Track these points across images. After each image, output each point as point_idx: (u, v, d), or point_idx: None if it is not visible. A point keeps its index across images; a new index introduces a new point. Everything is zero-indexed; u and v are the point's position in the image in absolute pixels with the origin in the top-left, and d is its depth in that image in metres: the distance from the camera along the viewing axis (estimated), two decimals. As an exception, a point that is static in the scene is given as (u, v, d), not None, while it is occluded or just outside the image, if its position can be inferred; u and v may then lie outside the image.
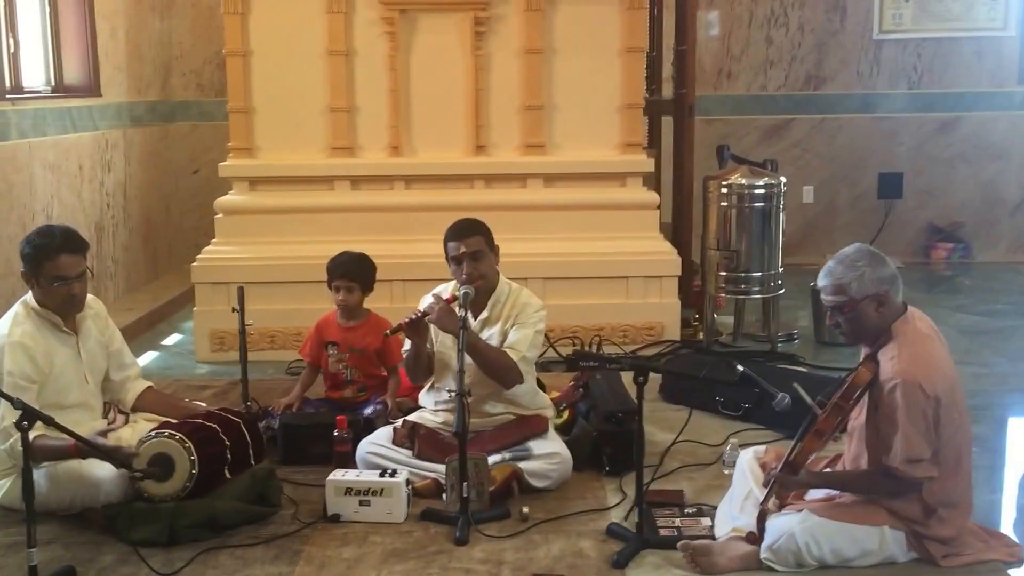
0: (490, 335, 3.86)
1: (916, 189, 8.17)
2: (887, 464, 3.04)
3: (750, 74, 8.10)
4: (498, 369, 3.77)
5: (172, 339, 6.20)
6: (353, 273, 4.40)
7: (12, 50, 6.05)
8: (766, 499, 3.18)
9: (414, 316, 3.75)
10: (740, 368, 3.61)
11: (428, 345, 3.89)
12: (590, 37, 5.60)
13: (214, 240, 5.74)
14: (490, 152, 5.70)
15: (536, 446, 3.81)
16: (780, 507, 3.27)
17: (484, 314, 3.90)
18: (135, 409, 3.89)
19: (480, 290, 3.85)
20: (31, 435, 3.35)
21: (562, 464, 3.79)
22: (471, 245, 3.83)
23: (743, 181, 5.45)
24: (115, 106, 7.02)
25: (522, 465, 3.73)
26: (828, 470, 3.37)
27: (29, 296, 3.68)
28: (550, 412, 4.07)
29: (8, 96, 5.70)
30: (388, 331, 3.90)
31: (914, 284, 7.28)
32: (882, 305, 3.09)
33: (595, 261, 5.55)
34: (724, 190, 5.46)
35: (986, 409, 4.69)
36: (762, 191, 5.44)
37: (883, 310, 3.10)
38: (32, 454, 3.38)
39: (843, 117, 8.16)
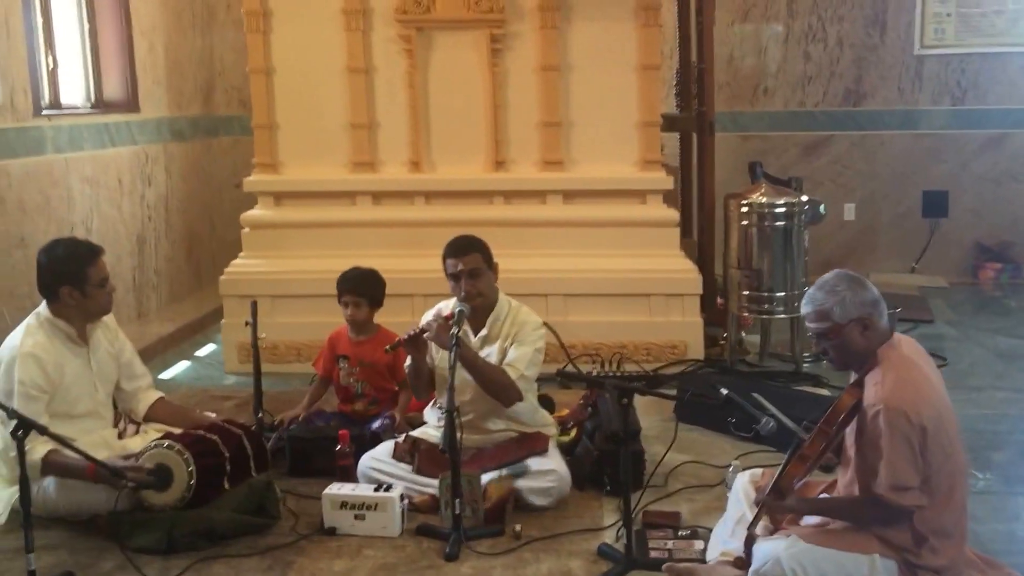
0: (489, 352, 3.91)
1: (962, 207, 8.04)
2: (874, 492, 3.01)
3: (788, 90, 8.05)
4: (496, 387, 3.81)
5: (205, 350, 6.36)
6: (360, 289, 4.48)
7: (51, 68, 6.27)
8: (753, 523, 3.18)
9: (412, 332, 3.82)
10: (724, 391, 3.60)
11: (428, 361, 3.95)
12: (606, 54, 5.64)
13: (241, 254, 5.89)
14: (509, 168, 5.76)
15: (534, 463, 3.84)
16: (774, 531, 3.26)
17: (483, 332, 3.95)
18: (147, 419, 4.01)
19: (479, 308, 3.90)
20: (45, 449, 3.52)
21: (559, 482, 3.81)
22: (469, 263, 3.88)
23: (763, 200, 5.43)
24: (154, 121, 7.21)
25: (519, 483, 3.77)
26: (824, 495, 3.35)
27: (43, 308, 3.81)
28: (551, 429, 4.10)
29: (44, 112, 5.90)
30: (388, 347, 3.97)
31: (959, 305, 7.17)
32: (867, 328, 3.07)
33: (616, 278, 5.57)
34: (744, 209, 5.44)
35: (1009, 435, 4.62)
36: (783, 210, 5.41)
37: (868, 334, 3.07)
38: (45, 467, 3.56)
39: (884, 134, 8.06)
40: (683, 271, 5.62)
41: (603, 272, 5.58)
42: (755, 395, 3.81)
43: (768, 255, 5.42)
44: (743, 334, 5.79)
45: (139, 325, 6.64)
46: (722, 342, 5.73)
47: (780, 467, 3.13)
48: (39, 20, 6.10)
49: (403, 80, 5.73)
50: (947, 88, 7.97)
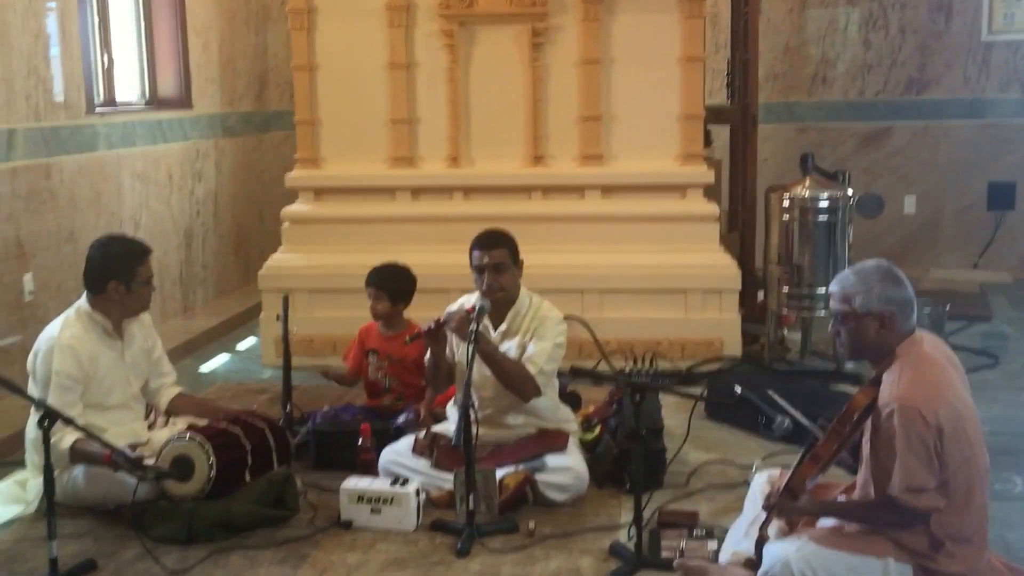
0: (509, 347, 3.95)
1: (1031, 200, 7.86)
2: (888, 493, 2.98)
3: (847, 79, 7.93)
4: (515, 381, 3.86)
5: (246, 343, 6.50)
6: (381, 283, 4.56)
7: (106, 66, 6.49)
8: (764, 524, 3.17)
9: (433, 324, 3.87)
10: (738, 389, 3.59)
11: (448, 354, 4.01)
12: (648, 47, 5.63)
13: (280, 248, 6.02)
14: (548, 163, 5.79)
15: (552, 460, 3.87)
16: (789, 533, 3.24)
17: (503, 326, 3.99)
18: (168, 413, 4.15)
19: (500, 303, 3.95)
20: (73, 438, 3.67)
21: (576, 480, 3.84)
22: (495, 257, 3.93)
23: (806, 194, 5.37)
24: (207, 117, 7.40)
25: (536, 476, 3.81)
26: (843, 498, 3.32)
27: (82, 301, 3.97)
28: (572, 426, 4.13)
29: (98, 110, 6.10)
30: (408, 337, 4.04)
31: (1022, 302, 6.99)
32: (884, 326, 3.02)
33: (653, 273, 5.57)
34: (786, 203, 5.39)
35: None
36: (826, 204, 5.34)
37: (884, 331, 3.03)
38: (72, 455, 3.72)
39: (948, 123, 7.90)
40: (722, 266, 5.58)
41: (640, 268, 5.58)
42: (770, 393, 3.77)
43: (809, 250, 5.36)
44: (785, 332, 5.73)
45: (185, 319, 6.84)
46: (763, 340, 5.68)
47: (792, 467, 3.12)
48: (96, 20, 6.33)
49: (444, 75, 5.79)
50: (1016, 75, 7.77)
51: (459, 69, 5.78)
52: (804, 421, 3.09)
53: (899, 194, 7.83)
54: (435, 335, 3.90)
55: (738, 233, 6.21)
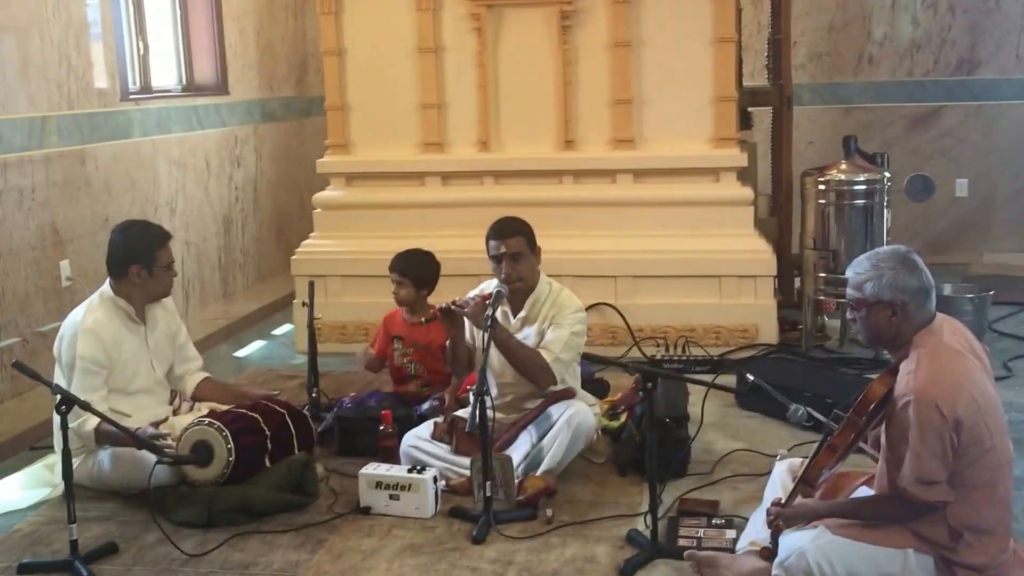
0: (528, 334, 3.96)
1: (1089, 183, 7.67)
2: (898, 484, 2.94)
3: (895, 59, 7.78)
4: (530, 369, 3.87)
5: (282, 329, 6.58)
6: (404, 269, 4.59)
7: (142, 53, 6.59)
8: (781, 514, 3.14)
9: (446, 305, 3.88)
10: (750, 378, 3.56)
11: (468, 340, 4.02)
12: (680, 28, 5.58)
13: (312, 234, 6.08)
14: (579, 147, 5.77)
15: (555, 409, 3.89)
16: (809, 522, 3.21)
17: (523, 313, 4.00)
18: (195, 398, 4.22)
19: (518, 291, 3.95)
20: (96, 420, 3.75)
21: (582, 419, 3.84)
22: (511, 246, 3.94)
23: (842, 177, 5.29)
24: (244, 103, 7.49)
25: (544, 440, 3.81)
26: (863, 488, 3.27)
27: (106, 287, 4.06)
28: (595, 409, 4.13)
29: (131, 96, 6.21)
30: (423, 319, 4.05)
31: (1078, 288, 6.83)
32: (896, 315, 2.97)
33: (686, 259, 5.53)
34: (822, 186, 5.31)
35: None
36: (863, 187, 5.26)
37: (897, 320, 2.98)
38: (98, 437, 3.81)
39: (1002, 104, 7.71)
40: (756, 251, 5.53)
41: (673, 253, 5.55)
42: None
43: (846, 235, 5.28)
44: (824, 318, 5.67)
45: (224, 304, 6.94)
46: (801, 326, 5.61)
47: (809, 458, 3.09)
48: (131, 8, 6.43)
49: (473, 59, 5.79)
50: (1073, 54, 7.58)
51: (488, 53, 5.78)
52: (817, 416, 3.04)
53: (950, 177, 7.68)
54: (451, 317, 3.90)
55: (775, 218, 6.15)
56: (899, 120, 7.80)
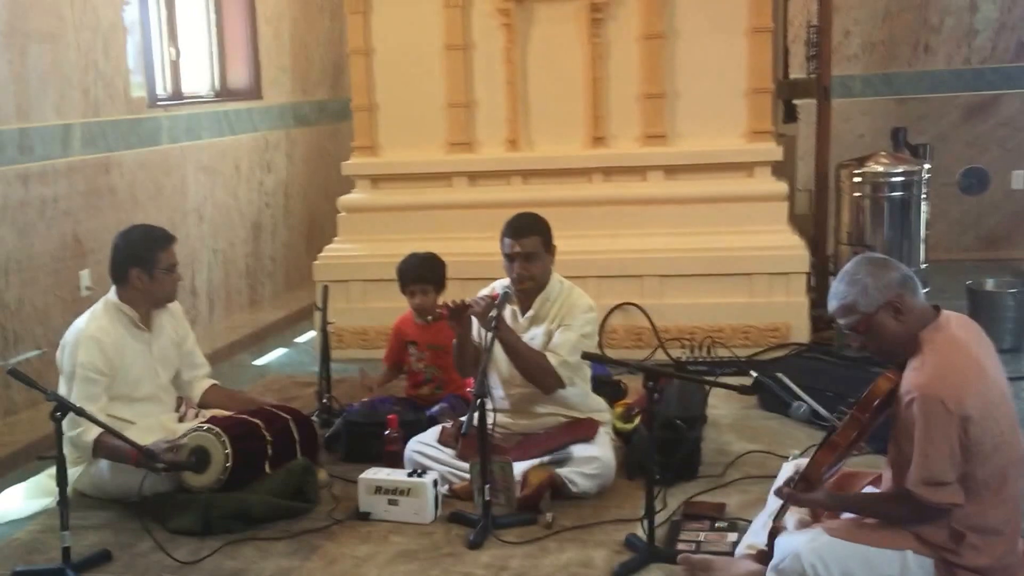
0: (536, 334, 3.97)
1: None
2: (905, 486, 2.87)
3: (951, 46, 7.63)
4: (535, 372, 3.87)
5: (306, 336, 6.67)
6: (427, 276, 4.60)
7: (173, 59, 6.73)
8: (779, 515, 3.11)
9: (453, 303, 3.89)
10: (754, 375, 3.51)
11: (475, 338, 4.03)
12: (713, 18, 5.56)
13: (336, 238, 6.16)
14: (609, 144, 5.77)
15: (578, 450, 3.88)
16: (811, 524, 3.16)
17: (531, 312, 4.01)
18: (202, 405, 4.30)
19: (528, 291, 3.96)
20: (97, 431, 3.80)
21: (602, 469, 3.84)
22: (526, 246, 3.94)
23: (879, 169, 5.21)
24: (277, 107, 7.62)
25: (562, 470, 3.80)
26: (869, 489, 3.22)
27: (111, 294, 4.13)
28: (604, 416, 4.12)
29: (159, 103, 6.34)
30: (430, 316, 4.07)
31: None
32: (900, 312, 2.93)
33: (715, 257, 5.51)
34: (858, 179, 5.24)
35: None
36: (901, 179, 5.18)
37: (903, 317, 2.93)
38: (96, 449, 3.86)
39: (1061, 92, 7.52)
40: (788, 247, 5.47)
41: (702, 251, 5.52)
42: (779, 375, 3.69)
43: (882, 230, 5.20)
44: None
45: (251, 312, 7.06)
46: (834, 325, 5.51)
47: (811, 456, 3.04)
48: (163, 13, 6.58)
49: (501, 56, 5.84)
50: None
51: (517, 49, 5.82)
52: (822, 411, 2.99)
53: (1006, 169, 7.52)
54: (458, 314, 3.90)
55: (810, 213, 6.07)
56: (954, 110, 7.65)
